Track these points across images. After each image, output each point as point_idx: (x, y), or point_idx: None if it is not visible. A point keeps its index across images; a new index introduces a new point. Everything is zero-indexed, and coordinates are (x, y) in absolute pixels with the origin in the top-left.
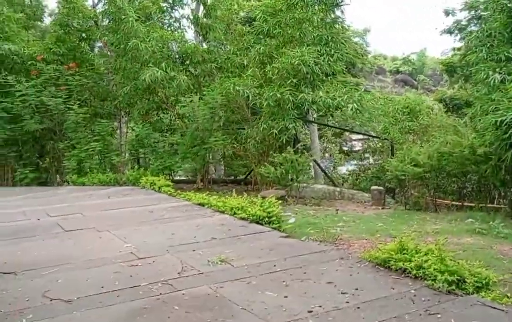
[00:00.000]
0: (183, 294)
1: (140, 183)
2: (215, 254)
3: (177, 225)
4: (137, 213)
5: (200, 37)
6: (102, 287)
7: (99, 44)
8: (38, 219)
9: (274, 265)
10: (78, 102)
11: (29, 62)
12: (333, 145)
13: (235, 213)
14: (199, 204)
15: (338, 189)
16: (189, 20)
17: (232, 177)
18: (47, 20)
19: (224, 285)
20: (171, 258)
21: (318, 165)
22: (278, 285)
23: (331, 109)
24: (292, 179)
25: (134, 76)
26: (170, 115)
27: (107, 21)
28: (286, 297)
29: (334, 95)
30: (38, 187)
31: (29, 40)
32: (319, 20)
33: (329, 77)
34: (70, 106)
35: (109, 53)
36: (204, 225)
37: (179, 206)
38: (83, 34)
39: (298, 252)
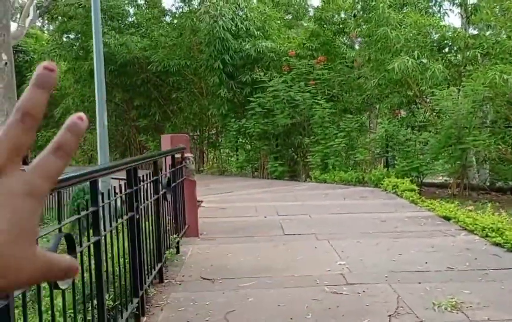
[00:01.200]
0: None
1: (382, 184)
2: (447, 293)
3: (408, 243)
4: (367, 221)
5: (464, 20)
6: (291, 319)
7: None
8: (265, 217)
9: None
10: (326, 97)
11: (283, 59)
12: None
13: (487, 235)
14: (443, 217)
15: None
16: (451, 2)
17: (499, 185)
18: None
19: None
20: (387, 289)
21: None
22: None
23: None
24: None
25: (384, 67)
26: (424, 110)
27: (361, 11)
28: None
29: None
30: (283, 181)
31: (289, 38)
32: None
33: None
34: (317, 101)
35: (357, 45)
36: (442, 247)
37: (418, 217)
38: (338, 27)
39: None
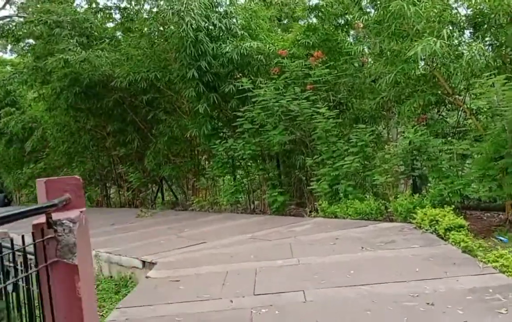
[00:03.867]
0: None
1: (415, 218)
2: None
3: None
4: (401, 307)
5: None
6: None
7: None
8: (231, 302)
9: None
10: (329, 104)
11: (275, 61)
12: None
13: None
14: None
15: None
16: None
17: None
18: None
19: None
20: None
21: None
22: None
23: None
24: None
25: (401, 58)
26: (458, 112)
27: None
28: None
29: None
30: (282, 218)
31: (282, 38)
32: None
33: None
34: (318, 110)
35: (364, 36)
36: None
37: (483, 290)
38: (340, 20)
39: None
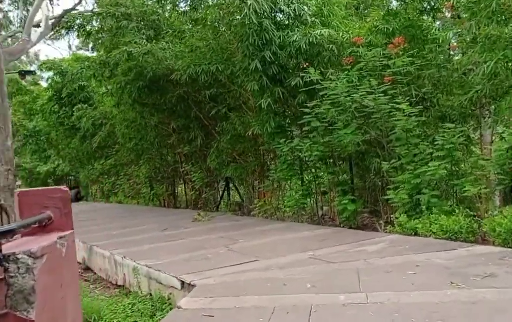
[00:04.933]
0: None
1: None
2: None
3: None
4: None
5: None
6: None
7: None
8: None
9: None
10: (411, 99)
11: (349, 50)
12: None
13: None
14: None
15: None
16: None
17: None
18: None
19: None
20: None
21: None
22: None
23: None
24: None
25: (503, 44)
26: None
27: None
28: None
29: None
30: (349, 233)
31: (359, 26)
32: None
33: None
34: (397, 105)
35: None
36: None
37: None
38: (425, 3)
39: None
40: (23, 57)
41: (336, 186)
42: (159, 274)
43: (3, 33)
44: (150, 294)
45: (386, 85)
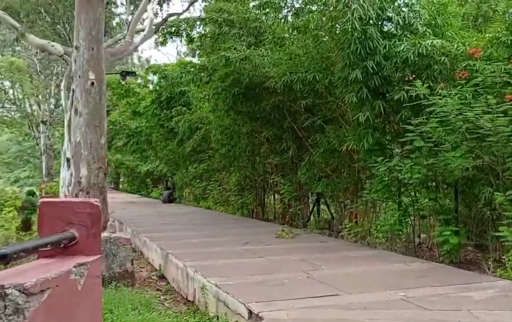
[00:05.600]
0: None
1: None
2: None
3: None
4: None
5: None
6: None
7: None
8: None
9: None
10: None
11: (464, 64)
12: None
13: None
14: None
15: None
16: None
17: None
18: None
19: None
20: None
21: None
22: None
23: None
24: None
25: None
26: None
27: None
28: None
29: None
30: (447, 268)
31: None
32: None
33: None
34: None
35: None
36: None
37: None
38: None
39: None
40: (135, 61)
41: (438, 214)
42: (227, 296)
43: (110, 38)
44: (218, 317)
45: (507, 105)
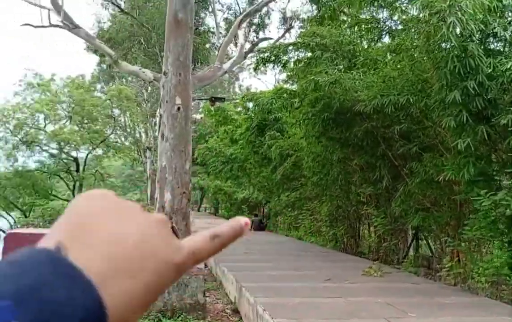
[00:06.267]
0: None
1: None
2: None
3: None
4: None
5: None
6: None
7: None
8: None
9: None
10: None
11: None
12: None
13: None
14: None
15: None
16: None
17: None
18: None
19: None
20: None
21: None
22: None
23: None
24: None
25: None
26: None
27: None
28: None
29: None
30: None
31: None
32: None
33: None
34: None
35: None
36: None
37: None
38: None
39: None
40: (237, 89)
41: None
42: None
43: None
44: None
45: None
